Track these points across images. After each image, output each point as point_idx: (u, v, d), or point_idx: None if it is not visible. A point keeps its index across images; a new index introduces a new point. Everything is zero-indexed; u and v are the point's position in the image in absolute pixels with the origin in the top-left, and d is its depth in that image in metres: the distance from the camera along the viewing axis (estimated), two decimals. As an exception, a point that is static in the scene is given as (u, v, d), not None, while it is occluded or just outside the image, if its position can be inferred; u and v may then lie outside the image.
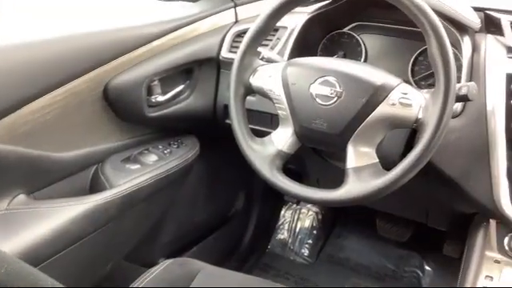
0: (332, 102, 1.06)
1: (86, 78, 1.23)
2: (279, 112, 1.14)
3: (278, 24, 1.18)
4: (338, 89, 1.05)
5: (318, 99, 1.07)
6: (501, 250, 1.20)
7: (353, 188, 1.02)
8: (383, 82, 1.03)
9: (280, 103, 1.13)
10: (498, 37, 1.20)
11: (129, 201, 1.27)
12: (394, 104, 1.01)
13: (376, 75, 1.05)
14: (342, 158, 1.08)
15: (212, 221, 1.90)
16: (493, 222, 1.21)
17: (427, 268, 1.96)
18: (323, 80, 1.07)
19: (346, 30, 1.46)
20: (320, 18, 1.40)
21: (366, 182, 1.01)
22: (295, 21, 1.39)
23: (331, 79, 1.06)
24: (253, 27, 1.15)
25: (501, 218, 1.16)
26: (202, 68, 1.50)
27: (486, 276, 1.14)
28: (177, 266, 1.20)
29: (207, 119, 1.55)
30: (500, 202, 1.14)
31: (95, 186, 1.31)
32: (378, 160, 1.05)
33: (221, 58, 1.50)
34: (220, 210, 1.96)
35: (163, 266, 1.17)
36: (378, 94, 1.02)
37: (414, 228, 1.98)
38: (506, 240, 1.19)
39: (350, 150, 1.05)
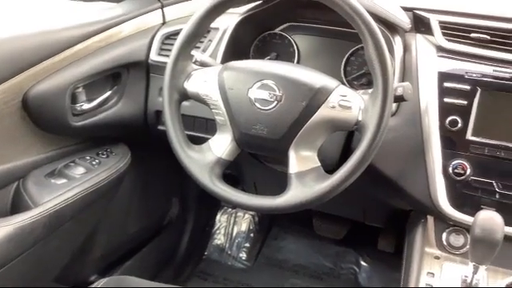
0: (272, 106, 1.03)
1: (2, 87, 1.11)
2: (217, 118, 1.10)
3: (210, 25, 1.13)
4: (277, 92, 1.02)
5: (257, 104, 1.04)
6: (439, 245, 1.22)
7: (297, 193, 1.00)
8: (322, 84, 1.01)
9: (218, 109, 1.08)
10: (428, 36, 1.22)
11: (56, 219, 1.17)
12: (333, 107, 1.00)
13: (315, 78, 1.03)
14: (281, 161, 1.06)
15: (146, 231, 1.82)
16: (430, 219, 1.24)
17: (363, 263, 2.00)
18: (262, 84, 1.04)
19: (277, 30, 1.44)
20: (252, 18, 1.36)
21: (310, 186, 1.00)
22: (227, 22, 1.35)
23: (270, 83, 1.03)
24: (185, 30, 1.09)
25: (438, 214, 1.19)
26: (131, 72, 1.42)
27: (428, 273, 1.16)
28: (112, 284, 1.12)
29: (138, 126, 1.47)
30: (437, 199, 1.17)
31: (17, 205, 1.20)
32: (320, 164, 1.03)
33: (150, 61, 1.42)
34: (154, 220, 1.88)
35: (98, 285, 1.10)
36: (317, 97, 1.00)
37: (350, 225, 2.01)
38: (444, 235, 1.22)
39: (292, 154, 1.03)
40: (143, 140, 1.53)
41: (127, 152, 1.46)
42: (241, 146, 1.09)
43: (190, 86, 1.12)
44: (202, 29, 1.10)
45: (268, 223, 2.17)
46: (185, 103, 1.17)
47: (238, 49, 1.37)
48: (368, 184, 1.29)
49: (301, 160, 1.03)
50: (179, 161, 1.10)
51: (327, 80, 1.04)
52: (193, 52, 1.15)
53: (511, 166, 1.12)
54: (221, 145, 1.09)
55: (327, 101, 1.00)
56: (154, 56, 1.42)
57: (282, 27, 1.43)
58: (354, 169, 0.97)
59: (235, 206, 1.09)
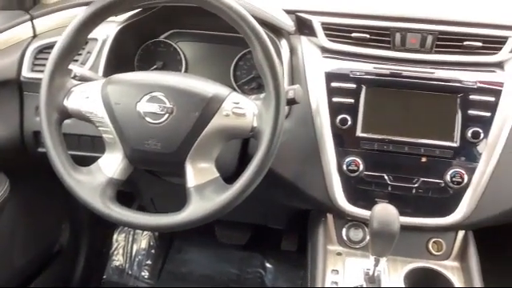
0: (163, 119, 0.97)
1: None
2: (104, 136, 1.02)
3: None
4: (167, 105, 0.97)
5: (147, 118, 0.98)
6: (341, 242, 1.25)
7: (197, 208, 0.96)
8: (214, 93, 0.98)
9: (104, 126, 1.01)
10: (312, 38, 1.24)
11: None
12: (227, 115, 0.98)
13: (206, 87, 1.00)
14: (178, 173, 1.01)
15: (35, 263, 1.66)
16: (330, 216, 1.26)
17: (268, 265, 2.00)
18: (150, 97, 0.98)
19: (161, 38, 1.39)
20: (133, 27, 1.30)
21: (211, 199, 0.96)
22: (106, 31, 1.26)
23: (159, 95, 0.98)
24: (60, 42, 1.00)
25: (336, 212, 1.21)
26: (1, 92, 1.28)
27: (333, 270, 1.17)
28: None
29: (14, 150, 1.33)
30: (334, 196, 1.19)
31: None
32: (218, 174, 1.00)
33: (22, 78, 1.29)
34: (43, 249, 1.72)
35: None
36: (210, 107, 0.97)
37: (252, 229, 2.00)
38: (344, 231, 1.24)
39: (189, 167, 0.99)
40: (22, 164, 1.39)
41: (4, 180, 1.31)
42: (133, 163, 1.03)
43: (71, 103, 1.03)
44: (79, 40, 1.02)
45: (169, 237, 2.09)
46: (66, 121, 1.07)
47: (120, 60, 1.29)
48: (267, 188, 1.28)
49: (198, 172, 0.99)
50: (65, 185, 1.00)
51: (219, 88, 1.01)
52: (71, 66, 1.06)
53: (399, 158, 1.17)
54: (111, 164, 1.02)
55: (220, 109, 0.98)
56: (26, 72, 1.29)
57: (166, 35, 1.39)
58: (254, 176, 0.95)
59: (133, 228, 1.01)
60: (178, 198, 1.01)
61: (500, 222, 1.21)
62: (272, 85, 0.95)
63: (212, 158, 1.01)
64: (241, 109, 0.98)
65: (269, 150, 0.94)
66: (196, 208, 0.97)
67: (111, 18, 1.20)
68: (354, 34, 1.20)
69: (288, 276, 1.93)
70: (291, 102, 1.02)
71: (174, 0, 1.13)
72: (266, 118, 0.96)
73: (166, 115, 0.97)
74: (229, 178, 1.01)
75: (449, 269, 1.18)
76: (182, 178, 1.01)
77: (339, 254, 1.22)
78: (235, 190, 0.95)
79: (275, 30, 1.23)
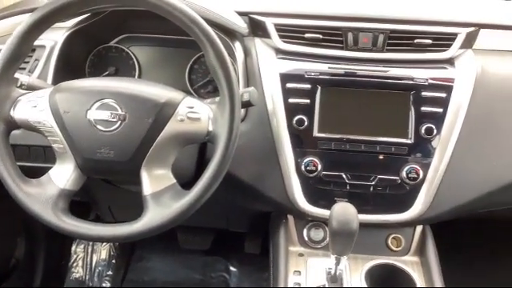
0: (115, 126, 0.95)
1: None
2: (55, 146, 0.99)
3: (35, 43, 1.01)
4: (119, 112, 0.95)
5: (98, 126, 0.95)
6: (302, 242, 1.25)
7: (155, 216, 0.94)
8: (167, 98, 0.97)
9: (54, 136, 0.97)
10: (266, 39, 1.24)
11: None
12: (182, 120, 0.96)
13: (159, 92, 0.98)
14: (134, 181, 0.99)
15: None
16: (290, 217, 1.25)
17: (232, 269, 1.99)
18: (101, 104, 0.96)
19: (112, 43, 1.36)
20: (82, 32, 1.26)
21: (168, 206, 0.95)
22: (54, 38, 1.23)
23: (110, 102, 0.96)
24: (4, 50, 0.96)
25: (297, 212, 1.21)
26: None
27: (295, 271, 1.17)
28: None
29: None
30: (294, 197, 1.19)
31: None
32: (175, 181, 0.99)
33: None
34: (-3, 265, 1.66)
35: None
36: (164, 112, 0.95)
37: (215, 234, 1.98)
38: (305, 232, 1.24)
39: (145, 175, 0.97)
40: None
41: None
42: (86, 172, 1.00)
43: (18, 113, 0.99)
44: (23, 48, 0.98)
45: (130, 246, 2.05)
46: (15, 132, 1.03)
47: (71, 67, 1.26)
48: (227, 191, 1.27)
49: (155, 179, 0.97)
50: (15, 199, 0.96)
51: (172, 93, 0.99)
52: (17, 75, 1.02)
53: (356, 157, 1.18)
54: (63, 175, 0.99)
55: (175, 114, 0.96)
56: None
57: (117, 39, 1.36)
58: (211, 181, 0.94)
59: (89, 240, 0.98)
60: (137, 205, 0.98)
61: (456, 215, 1.23)
62: (226, 88, 0.94)
63: (168, 165, 0.99)
64: (195, 113, 0.97)
65: (225, 153, 0.93)
66: (153, 216, 0.95)
67: (59, 24, 1.17)
68: (307, 35, 1.20)
69: (252, 278, 1.92)
70: (247, 105, 1.02)
71: (122, 4, 1.10)
72: (222, 121, 0.95)
73: (118, 122, 0.95)
74: (187, 183, 1.00)
75: (408, 264, 1.20)
76: (139, 186, 0.99)
77: (301, 254, 1.22)
78: (193, 195, 0.94)
79: (229, 33, 1.22)
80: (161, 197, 0.96)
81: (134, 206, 0.99)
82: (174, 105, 0.96)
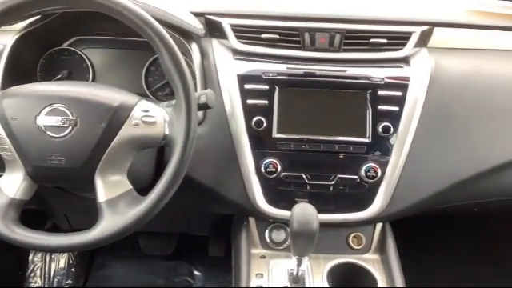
0: (66, 132, 0.92)
1: None
2: (2, 154, 0.95)
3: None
4: (70, 117, 0.92)
5: (48, 132, 0.92)
6: (264, 244, 1.24)
7: (111, 223, 0.92)
8: (121, 101, 0.94)
9: (1, 143, 0.93)
10: (223, 40, 1.22)
11: None
12: (137, 124, 0.94)
13: (112, 96, 0.95)
14: (88, 188, 0.96)
15: None
16: (252, 219, 1.24)
17: (196, 273, 1.97)
18: (51, 109, 0.92)
19: (65, 46, 1.31)
20: (32, 35, 1.21)
21: (124, 213, 0.92)
22: (2, 42, 1.17)
23: (60, 107, 0.92)
24: None
25: (258, 214, 1.20)
26: None
27: (257, 274, 1.16)
28: None
29: None
30: (254, 199, 1.18)
31: None
32: (131, 186, 0.96)
33: None
34: None
35: None
36: (117, 116, 0.93)
37: (177, 238, 1.95)
38: (267, 233, 1.24)
39: (99, 181, 0.94)
40: None
41: None
42: (37, 181, 0.96)
43: None
44: None
45: (90, 254, 2.00)
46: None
47: (21, 71, 1.21)
48: (187, 195, 1.26)
49: (110, 186, 0.94)
50: None
51: (126, 96, 0.97)
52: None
53: (316, 157, 1.18)
54: (12, 184, 0.95)
55: (129, 118, 0.94)
56: None
57: (69, 42, 1.31)
58: (169, 186, 0.92)
59: (42, 251, 0.95)
60: (94, 212, 0.95)
61: (415, 211, 1.25)
62: (182, 90, 0.92)
63: (123, 170, 0.97)
64: (151, 117, 0.95)
65: (182, 157, 0.92)
66: (109, 223, 0.92)
67: (7, 28, 1.12)
68: (264, 35, 1.19)
69: (217, 282, 1.90)
70: (204, 107, 1.00)
71: (72, 6, 1.06)
72: (178, 125, 0.93)
73: (69, 128, 0.92)
74: (145, 188, 0.97)
75: (369, 262, 1.21)
76: (94, 193, 0.96)
77: (263, 256, 1.22)
78: (149, 201, 0.92)
79: (185, 34, 1.20)
80: (116, 204, 0.93)
81: (92, 214, 0.96)
82: (128, 108, 0.94)
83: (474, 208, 1.39)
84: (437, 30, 1.28)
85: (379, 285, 1.15)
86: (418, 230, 1.76)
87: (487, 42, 1.38)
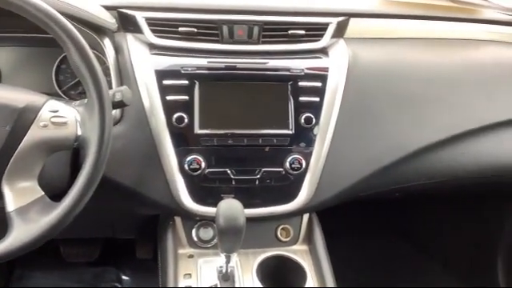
0: None
1: None
2: None
3: None
4: None
5: None
6: (191, 243, 1.20)
7: (22, 233, 0.85)
8: (27, 102, 0.88)
9: None
10: (138, 34, 1.17)
11: None
12: (45, 125, 0.88)
13: (16, 96, 0.89)
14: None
15: None
16: (178, 219, 1.21)
17: (124, 277, 1.90)
18: None
19: (-36, 45, 1.21)
20: None
21: (36, 221, 0.86)
22: None
23: None
24: None
25: (184, 213, 1.17)
26: None
27: (185, 274, 1.13)
28: None
29: None
30: (179, 198, 1.14)
31: None
32: (43, 193, 0.90)
33: None
34: None
35: None
36: (23, 118, 0.86)
37: (102, 242, 1.87)
38: (194, 232, 1.20)
39: (6, 189, 0.87)
40: None
41: None
42: None
43: None
44: None
45: (7, 265, 1.87)
46: None
47: None
48: (108, 198, 1.20)
49: (19, 193, 0.88)
50: None
51: (33, 96, 0.90)
52: None
53: (240, 151, 1.16)
54: None
55: (37, 120, 0.88)
56: None
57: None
58: (84, 190, 0.86)
59: None
60: (3, 222, 0.88)
61: (340, 200, 1.26)
62: (93, 88, 0.87)
63: (34, 176, 0.90)
64: (61, 117, 0.89)
65: (97, 159, 0.87)
66: (19, 234, 0.85)
67: None
68: (180, 29, 1.16)
69: (146, 285, 1.84)
70: (119, 105, 0.96)
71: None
72: (91, 124, 0.88)
73: None
74: (61, 194, 0.91)
75: (298, 253, 1.21)
76: (1, 201, 0.89)
77: (191, 256, 1.18)
78: (63, 208, 0.86)
79: (96, 29, 1.14)
80: (27, 212, 0.87)
81: (1, 224, 0.89)
82: (35, 109, 0.88)
83: (395, 193, 1.44)
84: (353, 20, 1.30)
85: (308, 275, 1.15)
86: (345, 218, 1.80)
87: (403, 31, 1.42)
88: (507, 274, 1.86)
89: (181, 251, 1.19)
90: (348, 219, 1.87)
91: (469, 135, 1.29)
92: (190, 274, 1.13)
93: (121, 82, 1.13)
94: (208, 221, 1.20)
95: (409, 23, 1.43)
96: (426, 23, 1.45)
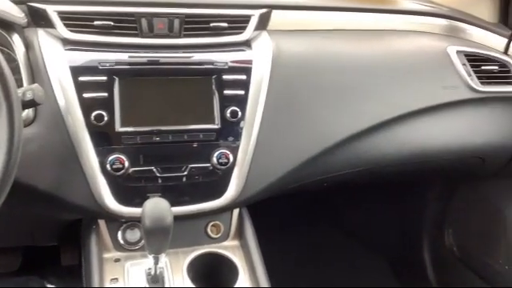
0: None
1: None
2: None
3: None
4: None
5: None
6: (117, 247, 1.15)
7: None
8: None
9: None
10: (50, 29, 1.10)
11: None
12: None
13: None
14: None
15: None
16: (102, 222, 1.15)
17: (49, 286, 1.80)
18: None
19: None
20: None
21: None
22: None
23: None
24: None
25: (108, 216, 1.12)
26: None
27: (112, 279, 1.08)
28: None
29: None
30: (102, 200, 1.09)
31: None
32: None
33: None
34: None
35: None
36: None
37: (23, 251, 1.76)
38: (120, 235, 1.15)
39: None
40: None
41: None
42: None
43: None
44: None
45: None
46: None
47: None
48: (24, 204, 1.14)
49: None
50: None
51: None
52: None
53: (165, 148, 1.12)
54: None
55: None
56: None
57: None
58: None
59: None
60: None
61: (270, 193, 1.26)
62: None
63: None
64: None
65: (7, 163, 0.80)
66: None
67: None
68: (96, 23, 1.10)
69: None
70: (30, 104, 0.90)
71: None
72: None
73: None
74: None
75: (229, 249, 1.20)
76: None
77: (117, 260, 1.13)
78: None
79: (4, 25, 1.06)
80: None
81: None
82: None
83: (324, 183, 1.46)
84: (276, 12, 1.30)
85: (240, 270, 1.14)
86: (277, 211, 1.81)
87: (325, 23, 1.44)
88: (432, 260, 1.96)
89: (106, 255, 1.14)
90: (279, 212, 1.88)
91: (390, 123, 1.33)
92: (116, 279, 1.09)
93: (32, 81, 1.05)
94: (134, 222, 1.15)
95: (330, 15, 1.45)
96: (348, 15, 1.48)
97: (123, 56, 1.12)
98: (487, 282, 1.74)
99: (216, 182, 1.16)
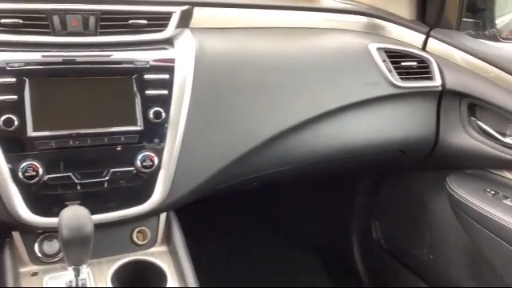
0: None
1: None
2: None
3: None
4: None
5: None
6: (34, 260, 1.07)
7: None
8: None
9: None
10: None
11: None
12: None
13: None
14: None
15: None
16: (16, 234, 1.07)
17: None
18: None
19: None
20: None
21: None
22: None
23: None
24: None
25: (22, 227, 1.04)
26: None
27: (30, 295, 1.01)
28: None
29: None
30: (15, 211, 1.01)
31: None
32: None
33: None
34: None
35: None
36: None
37: None
38: (37, 247, 1.07)
39: None
40: None
41: None
42: None
43: None
44: None
45: None
46: None
47: None
48: None
49: None
50: None
51: None
52: None
53: (83, 153, 1.06)
54: None
55: None
56: None
57: None
58: None
59: None
60: None
61: (199, 195, 1.22)
62: None
63: None
64: None
65: None
66: None
67: None
68: (3, 21, 1.02)
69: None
70: None
71: None
72: None
73: None
74: None
75: (157, 255, 1.15)
76: None
77: (35, 273, 1.06)
78: None
79: None
80: None
81: None
82: None
83: (253, 182, 1.44)
84: (198, 10, 1.27)
85: (168, 277, 1.10)
86: (206, 213, 1.78)
87: (248, 21, 1.43)
88: (362, 253, 2.00)
89: (22, 270, 1.06)
90: (209, 214, 1.85)
91: (316, 120, 1.34)
92: None
93: None
94: (52, 233, 1.08)
95: (252, 12, 1.44)
96: (268, 12, 1.47)
97: (35, 56, 1.05)
98: (414, 272, 1.80)
99: (141, 186, 1.11)
